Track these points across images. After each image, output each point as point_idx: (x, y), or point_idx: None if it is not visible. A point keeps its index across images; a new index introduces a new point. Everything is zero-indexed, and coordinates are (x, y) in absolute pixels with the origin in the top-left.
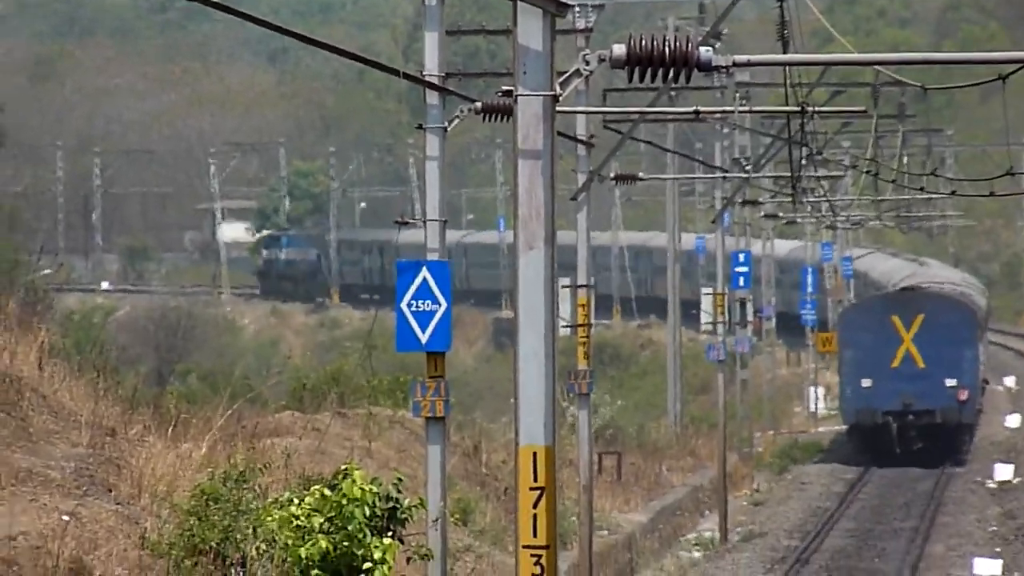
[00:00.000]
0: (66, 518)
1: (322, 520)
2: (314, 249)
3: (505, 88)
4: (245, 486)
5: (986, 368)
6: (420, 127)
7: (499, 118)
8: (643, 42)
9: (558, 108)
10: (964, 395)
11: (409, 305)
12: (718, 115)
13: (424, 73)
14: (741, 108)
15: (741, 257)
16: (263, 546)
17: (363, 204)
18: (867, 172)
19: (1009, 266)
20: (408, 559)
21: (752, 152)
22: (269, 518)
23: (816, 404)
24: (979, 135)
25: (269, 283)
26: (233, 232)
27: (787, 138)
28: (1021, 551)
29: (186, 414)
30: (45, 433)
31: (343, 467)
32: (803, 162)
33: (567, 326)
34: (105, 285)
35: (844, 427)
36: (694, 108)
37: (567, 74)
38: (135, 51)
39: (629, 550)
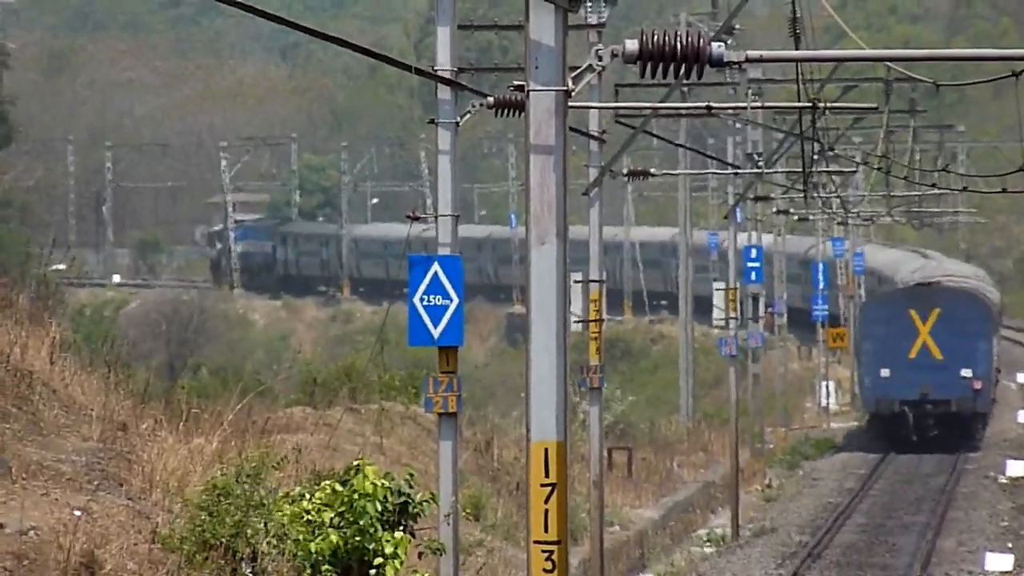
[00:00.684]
0: (77, 512)
1: (333, 515)
2: (268, 242)
3: (517, 83)
4: (257, 481)
5: (999, 360)
6: (432, 122)
7: (511, 113)
8: (655, 37)
9: (570, 103)
10: (978, 385)
11: (421, 300)
12: (730, 111)
13: (436, 68)
14: (753, 104)
15: (753, 253)
16: (274, 541)
17: (375, 199)
18: (879, 168)
19: (1022, 262)
20: (420, 554)
21: (764, 148)
22: (280, 513)
23: (828, 399)
24: (991, 131)
25: (222, 275)
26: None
27: (799, 134)
28: None
29: (197, 409)
30: (56, 427)
31: (355, 462)
32: (815, 158)
33: (579, 321)
34: (116, 279)
35: (855, 424)
36: (706, 104)
37: (579, 69)
38: (147, 46)
39: (640, 546)
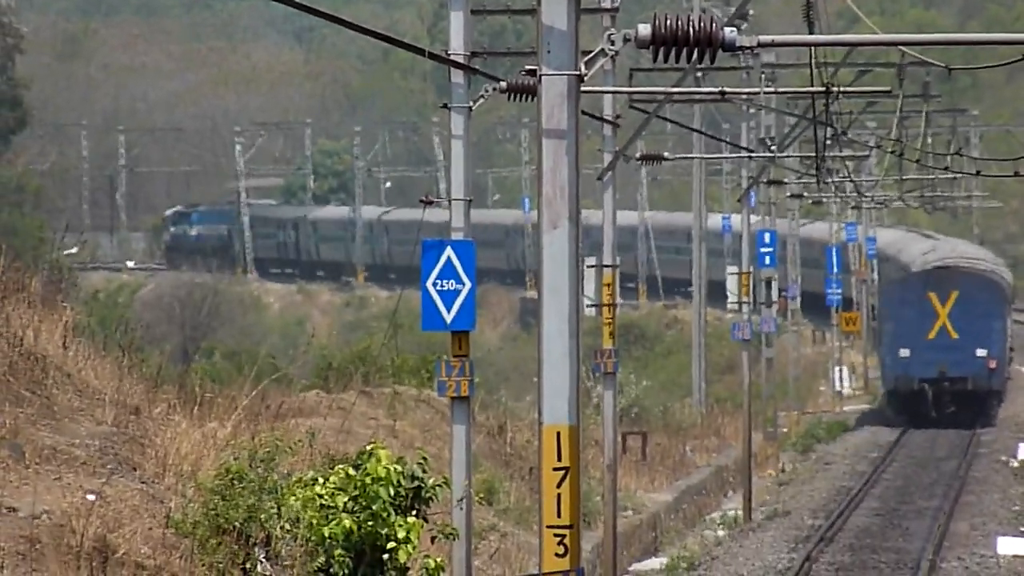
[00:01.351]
0: (91, 497)
1: (346, 499)
2: (225, 225)
3: (529, 67)
4: (271, 466)
5: (1013, 339)
6: (445, 106)
7: (525, 97)
8: (668, 22)
9: (583, 88)
10: (993, 364)
11: (434, 284)
12: (744, 96)
13: (449, 52)
14: (766, 89)
15: (767, 237)
16: (287, 525)
17: (388, 183)
18: (892, 152)
19: None
20: (432, 538)
21: (777, 132)
22: (293, 497)
23: (841, 383)
24: (1004, 115)
25: (177, 258)
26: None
27: (812, 118)
28: None
29: (211, 393)
30: (70, 411)
31: (368, 446)
32: (828, 142)
33: (592, 305)
34: (131, 264)
35: (868, 407)
36: (720, 88)
37: (592, 54)
38: (161, 30)
39: (653, 529)
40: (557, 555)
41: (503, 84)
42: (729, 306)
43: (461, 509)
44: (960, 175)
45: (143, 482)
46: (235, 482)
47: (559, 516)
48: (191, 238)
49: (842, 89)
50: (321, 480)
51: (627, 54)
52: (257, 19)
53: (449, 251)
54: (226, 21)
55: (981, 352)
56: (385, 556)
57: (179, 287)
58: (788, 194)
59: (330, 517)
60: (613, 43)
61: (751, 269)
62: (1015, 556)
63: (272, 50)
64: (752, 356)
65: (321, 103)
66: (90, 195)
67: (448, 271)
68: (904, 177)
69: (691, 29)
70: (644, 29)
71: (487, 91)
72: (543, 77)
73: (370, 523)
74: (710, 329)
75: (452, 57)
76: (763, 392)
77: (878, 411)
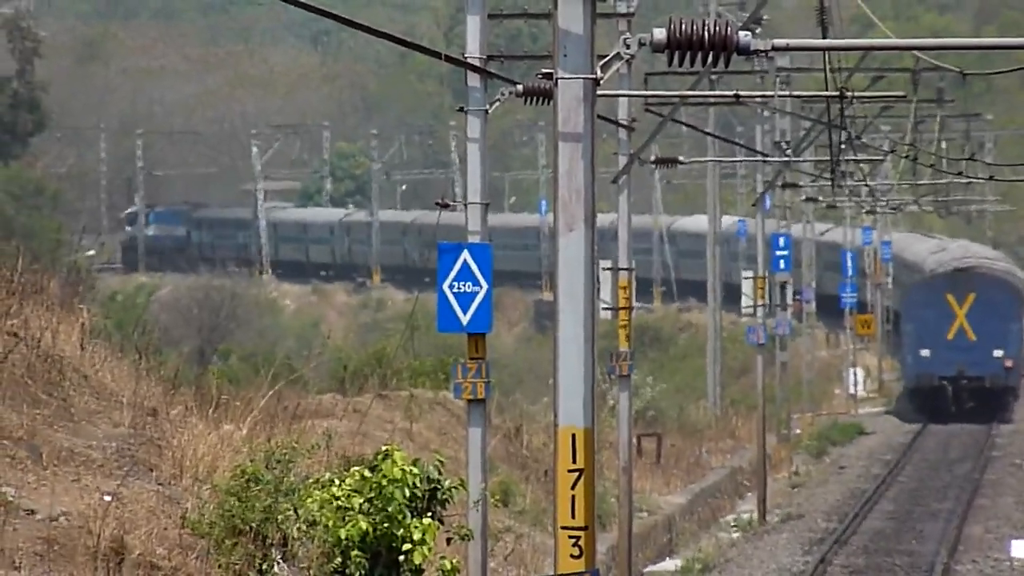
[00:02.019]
0: (107, 498)
1: (362, 501)
2: (182, 226)
3: (545, 71)
4: (287, 467)
5: None
6: (462, 109)
7: (541, 101)
8: (683, 26)
9: (599, 91)
10: (1010, 363)
11: (451, 287)
12: (758, 99)
13: (466, 56)
14: (781, 93)
15: (781, 240)
16: (303, 526)
17: (404, 186)
18: (906, 157)
19: None
20: (448, 540)
21: (792, 136)
22: (310, 499)
23: (855, 386)
24: (1018, 120)
25: (133, 258)
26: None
27: (827, 122)
28: None
29: (227, 395)
30: (87, 413)
31: (384, 448)
32: (842, 146)
33: (608, 309)
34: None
35: (883, 410)
36: (734, 92)
37: (607, 57)
38: (179, 33)
39: (668, 531)
40: (572, 556)
41: (519, 87)
42: (744, 310)
43: (477, 511)
44: (974, 180)
45: (160, 484)
46: (251, 483)
47: (574, 517)
48: (148, 238)
49: (856, 94)
50: (337, 482)
51: (642, 58)
52: (274, 23)
53: (465, 254)
54: (243, 25)
55: (998, 352)
56: (401, 557)
57: (196, 289)
58: (803, 198)
59: (346, 519)
60: (629, 47)
61: (766, 273)
62: None
63: (289, 53)
64: (767, 359)
65: (338, 106)
66: (108, 198)
67: (465, 273)
68: (918, 182)
69: (706, 33)
70: (659, 33)
71: (503, 94)
72: (559, 80)
73: (386, 524)
74: (725, 332)
75: (468, 60)
76: (777, 395)
77: (893, 414)
